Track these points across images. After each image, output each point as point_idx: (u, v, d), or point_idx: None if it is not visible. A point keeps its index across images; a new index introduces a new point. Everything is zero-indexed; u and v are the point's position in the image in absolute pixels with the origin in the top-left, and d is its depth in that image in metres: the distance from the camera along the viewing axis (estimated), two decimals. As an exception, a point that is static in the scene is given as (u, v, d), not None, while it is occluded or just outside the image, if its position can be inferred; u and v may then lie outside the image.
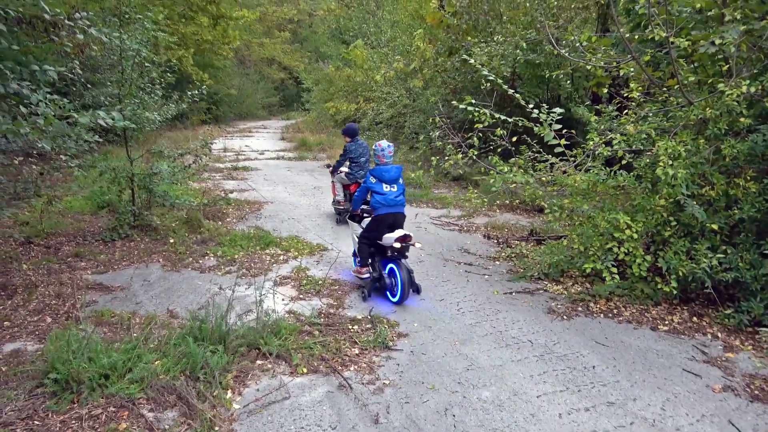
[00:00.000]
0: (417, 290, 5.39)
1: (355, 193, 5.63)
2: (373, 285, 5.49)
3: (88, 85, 8.94)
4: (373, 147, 5.51)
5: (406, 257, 5.33)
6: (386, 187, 5.29)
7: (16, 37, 5.42)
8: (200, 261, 6.41)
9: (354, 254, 6.06)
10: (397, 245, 5.15)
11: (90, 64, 9.60)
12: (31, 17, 5.20)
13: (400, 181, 5.41)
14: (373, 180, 5.33)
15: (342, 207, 8.66)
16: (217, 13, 21.93)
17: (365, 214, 5.69)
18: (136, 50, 7.03)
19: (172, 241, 7.08)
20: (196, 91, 8.08)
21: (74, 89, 10.10)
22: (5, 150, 5.56)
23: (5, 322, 4.61)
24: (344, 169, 8.61)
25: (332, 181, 8.97)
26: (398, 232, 5.18)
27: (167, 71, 8.97)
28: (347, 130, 8.45)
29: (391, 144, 5.49)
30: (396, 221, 5.35)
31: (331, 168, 8.96)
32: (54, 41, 5.30)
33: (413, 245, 5.42)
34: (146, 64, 7.53)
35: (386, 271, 5.36)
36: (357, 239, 5.69)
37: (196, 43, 21.91)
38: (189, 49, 21.04)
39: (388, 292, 5.37)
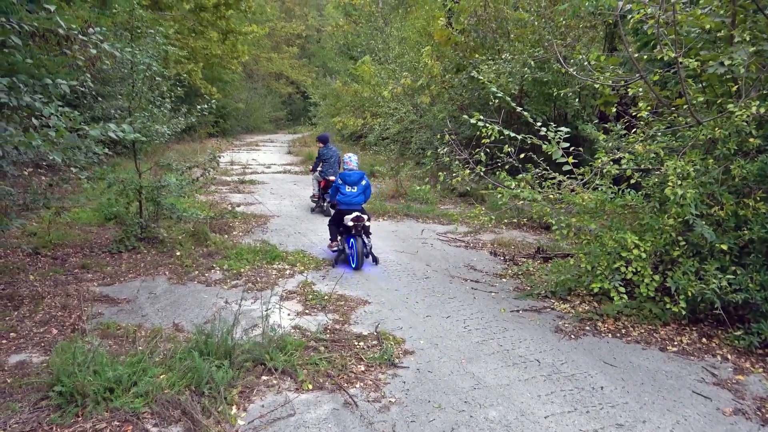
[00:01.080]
0: (375, 261, 7.04)
1: (330, 190, 7.42)
2: (339, 256, 7.12)
3: (99, 98, 9.02)
4: (343, 157, 7.41)
5: (368, 234, 6.97)
6: (348, 188, 7.04)
7: (30, 50, 5.49)
8: (206, 274, 6.41)
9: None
10: (351, 223, 6.71)
11: (101, 77, 9.68)
12: (44, 31, 5.26)
13: (363, 182, 7.08)
14: (340, 182, 7.07)
15: (316, 199, 10.66)
16: (226, 28, 22.23)
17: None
18: (147, 64, 7.12)
19: (178, 253, 7.09)
20: (205, 105, 8.14)
21: (85, 102, 10.19)
22: (16, 161, 5.61)
23: (11, 333, 4.61)
24: (319, 169, 10.45)
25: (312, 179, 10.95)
26: (354, 214, 6.78)
27: (177, 85, 9.06)
28: (321, 138, 10.68)
29: (356, 155, 7.43)
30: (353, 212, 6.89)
31: (311, 169, 10.98)
32: (66, 55, 5.36)
33: (365, 223, 6.79)
34: (156, 78, 7.61)
35: (348, 245, 6.89)
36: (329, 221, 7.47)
37: (205, 58, 22.20)
38: (198, 63, 21.31)
39: (350, 259, 6.85)
